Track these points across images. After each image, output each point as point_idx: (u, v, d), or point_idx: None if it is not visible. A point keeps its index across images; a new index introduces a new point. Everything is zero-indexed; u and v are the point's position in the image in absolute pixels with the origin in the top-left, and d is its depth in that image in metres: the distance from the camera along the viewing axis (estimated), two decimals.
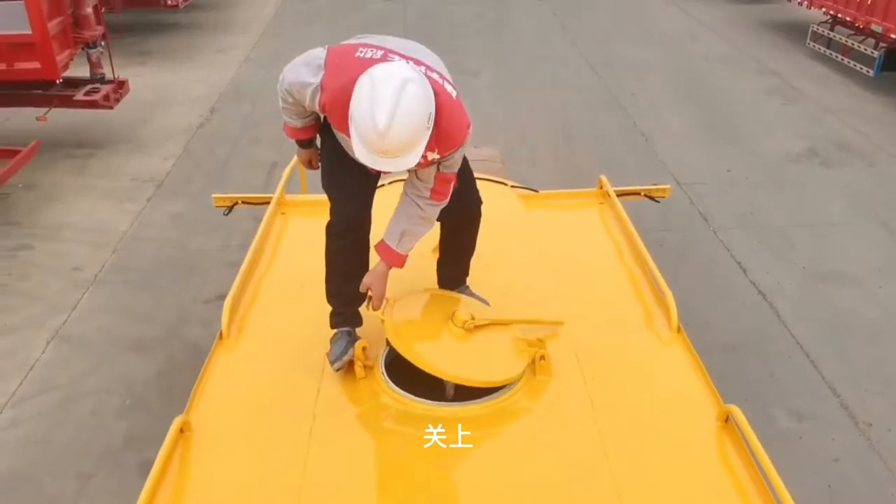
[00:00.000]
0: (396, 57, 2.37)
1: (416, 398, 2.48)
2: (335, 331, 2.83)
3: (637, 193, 4.29)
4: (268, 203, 3.85)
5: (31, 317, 5.07)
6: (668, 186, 4.37)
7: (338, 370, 2.64)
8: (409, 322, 2.65)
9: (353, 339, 2.81)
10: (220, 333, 2.86)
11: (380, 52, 2.38)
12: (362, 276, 2.71)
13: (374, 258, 2.69)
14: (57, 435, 4.13)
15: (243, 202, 4.23)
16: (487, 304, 2.92)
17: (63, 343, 4.83)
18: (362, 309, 2.77)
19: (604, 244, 3.61)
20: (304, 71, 2.46)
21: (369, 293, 2.66)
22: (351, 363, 2.64)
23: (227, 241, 5.84)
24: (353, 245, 2.69)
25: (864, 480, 3.94)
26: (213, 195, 4.31)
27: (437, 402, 2.47)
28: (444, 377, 2.49)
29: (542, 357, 2.59)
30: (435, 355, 2.53)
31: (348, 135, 2.31)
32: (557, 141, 7.88)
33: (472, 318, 2.62)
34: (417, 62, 2.39)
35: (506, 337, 2.67)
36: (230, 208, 4.23)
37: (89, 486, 3.82)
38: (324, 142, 2.77)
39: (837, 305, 5.28)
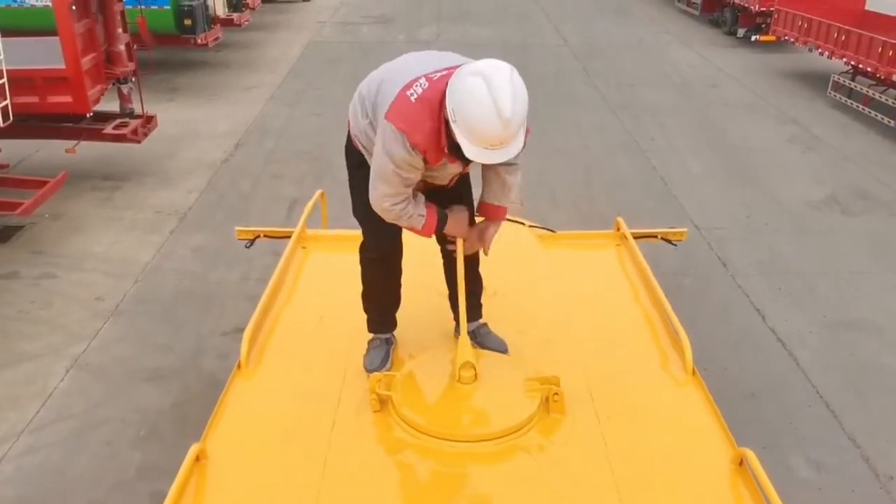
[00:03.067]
0: (445, 71, 2.45)
1: (431, 434, 2.47)
2: (372, 336, 2.99)
3: (654, 236, 4.30)
4: (289, 237, 3.90)
5: (52, 345, 5.12)
6: (685, 230, 4.39)
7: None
8: (415, 394, 2.66)
9: (390, 347, 2.99)
10: (239, 363, 2.89)
11: (424, 81, 2.44)
12: (398, 291, 2.90)
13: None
14: (71, 463, 4.14)
15: (265, 235, 4.29)
16: (504, 344, 2.96)
17: (82, 372, 4.87)
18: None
19: (620, 285, 3.63)
20: (397, 148, 2.45)
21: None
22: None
23: (246, 275, 5.89)
24: (387, 272, 2.86)
25: None
26: (236, 228, 4.38)
27: (451, 440, 2.46)
28: (460, 440, 2.48)
29: (556, 394, 2.59)
30: (446, 421, 2.53)
31: (441, 161, 2.45)
32: (577, 183, 7.92)
33: (475, 374, 2.64)
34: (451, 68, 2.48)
35: (516, 378, 2.68)
36: (252, 241, 4.29)
37: None
38: (355, 174, 2.85)
39: (858, 355, 5.21)
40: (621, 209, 7.13)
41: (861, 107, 10.17)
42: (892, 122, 9.43)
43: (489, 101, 2.24)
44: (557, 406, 2.59)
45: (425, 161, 2.50)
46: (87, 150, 7.67)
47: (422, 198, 2.66)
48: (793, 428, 4.53)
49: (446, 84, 2.36)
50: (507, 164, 2.62)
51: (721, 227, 6.96)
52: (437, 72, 2.45)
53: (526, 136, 2.57)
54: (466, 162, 2.54)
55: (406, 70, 2.54)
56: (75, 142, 7.25)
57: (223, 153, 8.59)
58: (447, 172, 2.69)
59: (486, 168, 2.71)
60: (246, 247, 4.31)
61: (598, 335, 3.19)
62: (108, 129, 7.28)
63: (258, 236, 4.27)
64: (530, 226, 4.14)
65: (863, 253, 6.58)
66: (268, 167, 8.22)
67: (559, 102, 10.62)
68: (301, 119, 9.82)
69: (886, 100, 9.64)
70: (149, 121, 7.68)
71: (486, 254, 2.90)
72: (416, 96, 2.41)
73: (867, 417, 4.62)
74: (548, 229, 4.20)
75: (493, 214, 2.84)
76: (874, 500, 4.04)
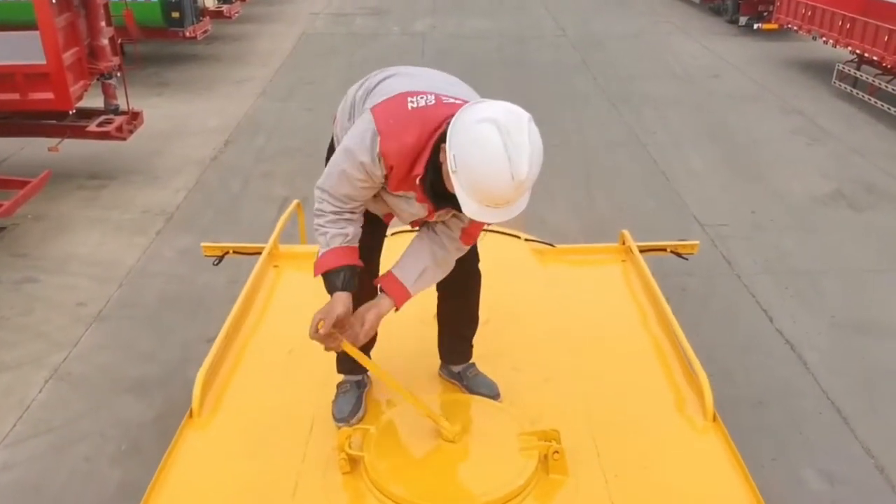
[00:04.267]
0: (458, 100, 2.11)
1: None
2: (343, 378, 2.62)
3: (663, 249, 3.95)
4: (259, 254, 3.55)
5: (31, 353, 4.92)
6: (696, 242, 4.07)
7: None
8: (391, 455, 2.28)
9: (362, 391, 2.60)
10: (191, 411, 2.54)
11: (432, 98, 2.12)
12: None
13: None
14: (49, 481, 3.95)
15: (234, 252, 3.93)
16: (495, 387, 2.62)
17: (61, 382, 4.67)
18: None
19: (627, 310, 3.27)
20: (363, 148, 2.12)
21: (344, 332, 2.26)
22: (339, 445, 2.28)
23: (234, 277, 5.63)
24: (362, 297, 2.40)
25: None
26: (203, 244, 4.09)
27: None
28: None
29: (557, 452, 2.23)
30: (427, 490, 2.16)
31: (407, 191, 2.12)
32: (576, 179, 7.71)
33: (461, 429, 2.30)
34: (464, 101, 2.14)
35: (510, 432, 2.33)
36: (220, 258, 3.95)
37: None
38: None
39: (869, 358, 5.02)
40: (622, 207, 7.01)
41: (867, 97, 9.95)
42: None
43: (502, 158, 1.90)
44: (558, 466, 2.24)
45: (386, 178, 2.16)
46: (73, 148, 7.44)
47: (355, 230, 2.25)
48: (803, 437, 4.34)
49: (451, 116, 2.02)
50: (444, 245, 2.30)
51: (725, 223, 6.76)
52: (451, 97, 2.12)
53: (479, 227, 2.32)
54: (436, 208, 2.19)
55: (422, 77, 2.26)
56: (58, 140, 7.02)
57: (212, 150, 8.37)
58: (407, 210, 2.29)
59: (428, 225, 2.35)
60: (214, 264, 3.96)
61: (604, 373, 2.83)
62: (93, 127, 7.05)
63: (227, 253, 3.92)
64: (527, 239, 3.78)
65: (871, 250, 6.39)
66: (258, 165, 8.01)
67: (558, 96, 10.40)
68: (293, 114, 9.59)
69: (893, 89, 9.42)
70: (135, 117, 7.46)
71: (354, 343, 2.29)
72: (415, 105, 2.10)
73: (880, 424, 4.43)
74: (546, 243, 3.83)
75: (391, 289, 2.30)
76: None
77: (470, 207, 1.99)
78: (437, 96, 2.12)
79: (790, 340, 5.17)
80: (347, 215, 2.25)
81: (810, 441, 4.31)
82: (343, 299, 2.22)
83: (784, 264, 6.14)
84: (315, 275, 2.27)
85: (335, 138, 2.48)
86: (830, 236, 6.60)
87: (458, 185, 1.98)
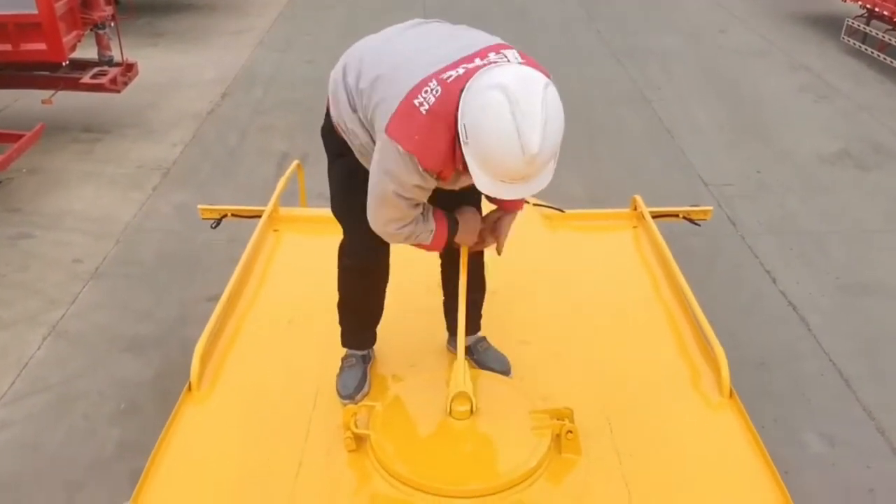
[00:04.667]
0: (460, 69, 1.93)
1: (416, 488, 2.06)
2: (347, 352, 2.56)
3: (675, 215, 3.86)
4: (259, 217, 3.44)
5: (28, 310, 4.87)
6: (710, 208, 3.99)
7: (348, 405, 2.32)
8: (398, 434, 2.21)
9: (367, 366, 2.54)
10: (189, 384, 2.47)
11: (436, 85, 1.93)
12: (380, 304, 2.43)
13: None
14: (47, 439, 3.93)
15: (233, 215, 3.81)
16: (506, 362, 2.55)
17: (59, 340, 4.64)
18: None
19: (639, 278, 3.18)
20: (405, 172, 1.99)
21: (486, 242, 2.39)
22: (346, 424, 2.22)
23: (234, 235, 5.54)
24: (368, 284, 2.36)
25: None
26: (200, 206, 3.98)
27: (442, 495, 2.06)
28: (453, 496, 2.07)
29: (570, 432, 2.17)
30: (436, 471, 2.10)
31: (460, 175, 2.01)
32: (580, 137, 7.57)
33: (471, 407, 2.21)
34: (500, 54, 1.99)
35: (521, 410, 2.26)
36: (218, 221, 3.83)
37: (78, 497, 3.61)
38: (335, 162, 2.40)
39: (872, 320, 4.98)
40: (627, 166, 6.90)
41: (876, 53, 9.75)
42: None
43: (511, 129, 1.74)
44: (571, 445, 2.18)
45: (439, 179, 2.04)
46: (67, 101, 7.27)
47: (430, 209, 2.19)
48: (805, 399, 4.33)
49: (462, 90, 1.87)
50: None
51: (730, 183, 6.66)
52: (450, 68, 1.93)
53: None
54: None
55: (410, 64, 2.01)
56: (52, 92, 6.87)
57: (209, 103, 8.21)
58: (460, 183, 2.16)
59: None
60: (212, 227, 3.84)
61: (616, 345, 2.75)
62: (86, 79, 6.88)
63: (225, 216, 3.80)
64: (535, 204, 3.65)
65: (877, 210, 6.30)
66: (256, 118, 7.85)
67: (561, 52, 10.18)
68: (292, 66, 9.39)
69: None
70: (129, 69, 7.28)
71: (499, 253, 2.42)
72: (426, 107, 1.90)
73: (882, 387, 4.41)
74: (556, 208, 3.71)
75: (509, 204, 2.32)
76: (891, 476, 3.85)
77: (482, 182, 1.86)
78: (438, 79, 1.94)
79: (793, 302, 5.13)
80: (418, 217, 2.17)
81: (812, 403, 4.29)
82: (471, 219, 2.31)
83: (789, 225, 6.07)
84: (440, 250, 2.30)
85: (335, 122, 2.30)
86: (836, 196, 6.51)
87: (470, 158, 1.85)
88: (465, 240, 2.30)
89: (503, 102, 1.76)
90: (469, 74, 1.89)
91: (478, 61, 1.93)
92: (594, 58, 10.02)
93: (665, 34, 11.00)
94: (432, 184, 2.05)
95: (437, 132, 1.92)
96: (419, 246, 2.24)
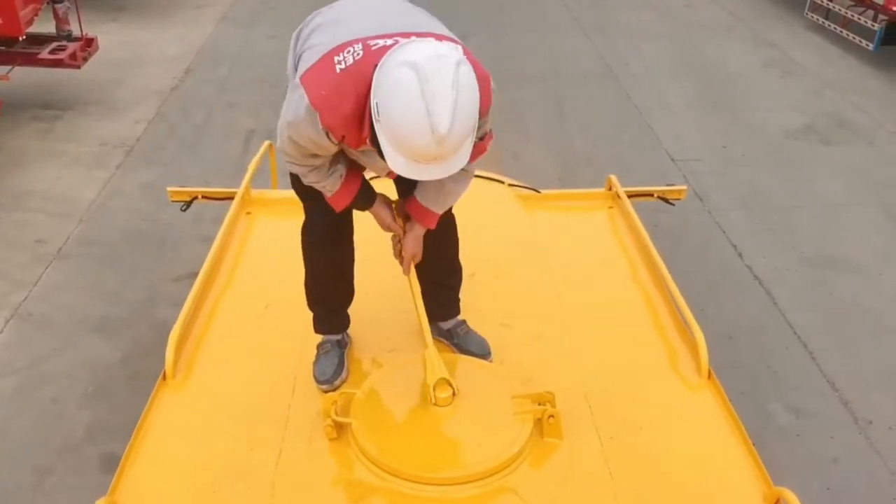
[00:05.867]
0: (389, 40, 1.89)
1: (399, 476, 2.04)
2: (322, 338, 2.51)
3: (650, 195, 3.88)
4: (231, 199, 3.37)
5: None
6: (684, 187, 4.04)
7: (328, 392, 2.30)
8: (380, 421, 2.18)
9: (344, 351, 2.49)
10: (164, 373, 2.41)
11: (359, 48, 1.90)
12: (350, 282, 2.40)
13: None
14: (14, 424, 3.87)
15: (204, 197, 3.73)
16: (486, 345, 2.54)
17: (23, 322, 4.55)
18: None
19: (616, 259, 3.18)
20: (306, 124, 1.96)
21: (401, 255, 2.34)
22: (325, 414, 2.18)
23: (200, 215, 5.46)
24: (334, 259, 2.33)
25: (865, 482, 3.77)
26: (169, 188, 3.89)
27: (424, 483, 2.04)
28: (434, 483, 2.05)
29: (552, 416, 2.15)
30: (418, 458, 2.08)
31: (367, 146, 1.96)
32: (549, 113, 7.58)
33: (452, 393, 2.18)
34: (422, 35, 1.93)
35: (503, 394, 2.23)
36: (188, 203, 3.74)
37: (47, 482, 3.57)
38: None
39: (837, 294, 5.08)
40: (595, 142, 6.92)
41: (839, 29, 9.84)
42: (871, 45, 9.14)
43: (420, 108, 1.68)
44: (553, 429, 2.16)
45: (343, 144, 2.01)
46: (24, 77, 7.07)
47: (340, 170, 2.17)
48: (771, 371, 4.42)
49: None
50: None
51: (698, 158, 6.72)
52: (382, 37, 1.89)
53: (486, 143, 2.10)
54: None
55: (346, 22, 2.03)
56: (9, 68, 6.66)
57: (173, 79, 8.03)
58: (377, 164, 2.09)
59: None
60: (182, 210, 3.76)
61: (595, 327, 2.74)
62: (44, 54, 6.68)
63: (195, 198, 3.71)
64: (510, 184, 3.60)
65: (841, 185, 6.41)
66: (222, 95, 7.71)
67: (528, 25, 10.14)
68: (256, 42, 9.22)
69: (865, 21, 9.32)
70: (89, 44, 7.09)
71: (405, 273, 2.36)
72: (343, 66, 1.87)
73: (846, 359, 4.52)
74: (531, 189, 3.69)
75: (420, 217, 2.27)
76: (853, 446, 3.97)
77: (396, 162, 1.81)
78: (364, 43, 1.90)
79: (759, 276, 5.21)
80: (324, 166, 2.14)
81: (778, 375, 4.38)
82: (381, 208, 2.31)
83: (755, 200, 6.15)
84: (339, 211, 2.25)
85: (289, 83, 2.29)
86: (802, 171, 6.61)
87: (382, 136, 1.81)
88: (378, 220, 2.35)
89: (413, 80, 1.70)
90: (373, 55, 1.87)
91: (413, 39, 1.87)
92: (562, 32, 9.98)
93: (633, 9, 10.97)
94: (329, 145, 2.00)
95: (345, 93, 1.88)
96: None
